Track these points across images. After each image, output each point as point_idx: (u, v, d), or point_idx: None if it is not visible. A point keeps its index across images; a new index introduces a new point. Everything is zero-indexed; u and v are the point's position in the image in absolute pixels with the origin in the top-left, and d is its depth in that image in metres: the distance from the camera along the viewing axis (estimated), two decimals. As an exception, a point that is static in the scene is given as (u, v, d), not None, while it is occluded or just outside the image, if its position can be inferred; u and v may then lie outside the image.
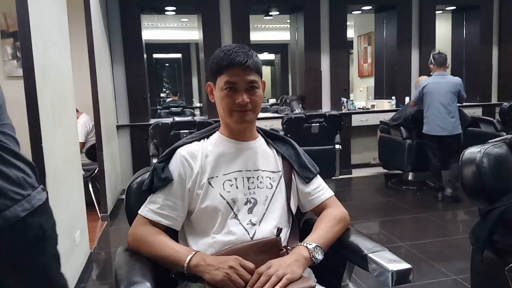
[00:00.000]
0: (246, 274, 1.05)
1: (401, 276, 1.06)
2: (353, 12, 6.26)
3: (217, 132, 1.31)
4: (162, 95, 9.82)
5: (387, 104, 5.72)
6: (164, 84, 10.17)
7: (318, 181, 1.33)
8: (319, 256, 1.14)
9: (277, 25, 8.76)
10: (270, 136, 1.36)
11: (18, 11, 1.98)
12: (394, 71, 5.81)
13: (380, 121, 5.18)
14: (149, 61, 5.71)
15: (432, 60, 4.22)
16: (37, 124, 2.04)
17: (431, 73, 4.28)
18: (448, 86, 4.11)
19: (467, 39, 6.12)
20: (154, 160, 1.31)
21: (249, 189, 1.22)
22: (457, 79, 4.20)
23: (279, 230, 1.15)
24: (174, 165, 1.22)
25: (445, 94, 4.09)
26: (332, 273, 1.32)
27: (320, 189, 1.32)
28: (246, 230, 1.17)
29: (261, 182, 1.24)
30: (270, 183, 1.25)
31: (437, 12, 5.84)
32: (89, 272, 2.84)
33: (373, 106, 5.78)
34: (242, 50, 1.19)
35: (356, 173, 5.53)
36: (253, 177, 1.24)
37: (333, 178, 4.52)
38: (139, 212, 1.22)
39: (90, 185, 3.92)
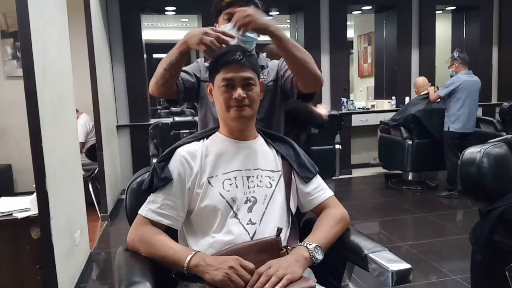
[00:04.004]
0: (246, 274, 1.05)
1: (401, 276, 1.06)
2: (353, 12, 6.26)
3: (217, 132, 1.31)
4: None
5: (387, 104, 5.72)
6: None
7: (318, 181, 1.34)
8: (319, 256, 1.14)
9: (277, 25, 8.76)
10: (269, 136, 1.36)
11: (18, 11, 1.98)
12: (394, 71, 5.81)
13: (380, 121, 5.18)
14: (149, 61, 5.70)
15: (457, 59, 4.25)
16: (37, 124, 2.04)
17: (453, 72, 4.31)
18: (477, 85, 4.24)
19: (467, 39, 6.12)
20: (154, 160, 1.31)
21: (248, 188, 1.22)
22: (479, 80, 4.27)
23: (279, 230, 1.15)
24: (174, 165, 1.22)
25: (476, 92, 4.23)
26: (332, 273, 1.32)
27: (320, 189, 1.32)
28: (246, 230, 1.17)
29: (260, 181, 1.24)
30: (270, 182, 1.25)
31: (437, 12, 5.84)
32: (89, 272, 2.84)
33: (373, 106, 5.78)
34: (239, 49, 1.24)
35: (356, 173, 5.53)
36: (253, 176, 1.24)
37: (333, 178, 4.52)
38: (139, 212, 1.22)
39: (90, 185, 3.92)
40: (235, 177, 1.22)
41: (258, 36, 1.47)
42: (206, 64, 1.60)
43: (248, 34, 1.40)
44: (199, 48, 1.29)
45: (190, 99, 1.65)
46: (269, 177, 1.26)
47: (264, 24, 1.30)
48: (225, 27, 1.45)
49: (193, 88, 1.60)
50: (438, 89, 4.50)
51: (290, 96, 1.59)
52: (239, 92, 1.19)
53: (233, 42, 1.32)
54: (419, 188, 4.76)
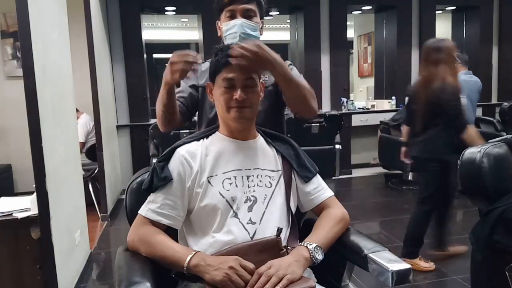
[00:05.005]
0: (246, 275, 1.05)
1: (401, 276, 1.06)
2: (353, 12, 6.26)
3: (217, 132, 1.31)
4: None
5: (387, 104, 5.72)
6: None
7: (318, 180, 1.34)
8: (319, 256, 1.14)
9: (277, 25, 8.75)
10: (270, 136, 1.36)
11: (18, 11, 1.98)
12: (394, 71, 5.81)
13: (380, 121, 5.18)
14: (149, 61, 5.71)
15: (456, 59, 4.24)
16: (37, 124, 2.04)
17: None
18: (476, 86, 4.19)
19: (467, 39, 6.12)
20: (154, 160, 1.31)
21: (248, 187, 1.22)
22: (479, 81, 4.26)
23: (279, 230, 1.15)
24: (174, 165, 1.22)
25: (474, 93, 4.18)
26: (332, 273, 1.32)
27: (320, 189, 1.32)
28: (246, 229, 1.17)
29: (260, 181, 1.24)
30: (270, 182, 1.25)
31: (437, 12, 5.84)
32: (89, 272, 2.84)
33: (373, 106, 5.78)
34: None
35: (356, 173, 5.53)
36: (253, 176, 1.24)
37: (333, 178, 4.51)
38: (139, 212, 1.21)
39: (90, 185, 3.92)
40: (235, 177, 1.22)
41: (260, 35, 1.46)
42: (203, 68, 1.58)
43: (250, 32, 1.39)
44: (177, 80, 1.26)
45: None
46: (269, 176, 1.26)
47: (273, 59, 1.22)
48: (227, 25, 1.45)
49: (196, 101, 1.61)
50: None
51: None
52: (240, 93, 1.18)
53: (234, 41, 1.31)
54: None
